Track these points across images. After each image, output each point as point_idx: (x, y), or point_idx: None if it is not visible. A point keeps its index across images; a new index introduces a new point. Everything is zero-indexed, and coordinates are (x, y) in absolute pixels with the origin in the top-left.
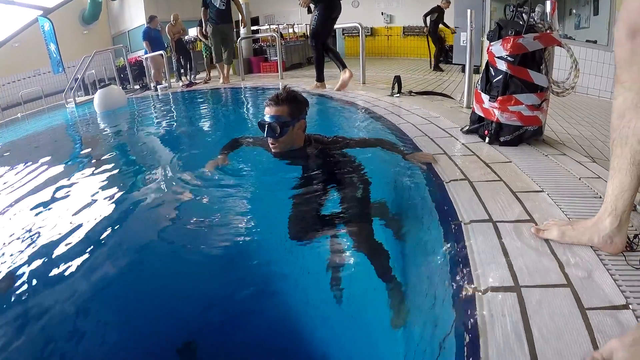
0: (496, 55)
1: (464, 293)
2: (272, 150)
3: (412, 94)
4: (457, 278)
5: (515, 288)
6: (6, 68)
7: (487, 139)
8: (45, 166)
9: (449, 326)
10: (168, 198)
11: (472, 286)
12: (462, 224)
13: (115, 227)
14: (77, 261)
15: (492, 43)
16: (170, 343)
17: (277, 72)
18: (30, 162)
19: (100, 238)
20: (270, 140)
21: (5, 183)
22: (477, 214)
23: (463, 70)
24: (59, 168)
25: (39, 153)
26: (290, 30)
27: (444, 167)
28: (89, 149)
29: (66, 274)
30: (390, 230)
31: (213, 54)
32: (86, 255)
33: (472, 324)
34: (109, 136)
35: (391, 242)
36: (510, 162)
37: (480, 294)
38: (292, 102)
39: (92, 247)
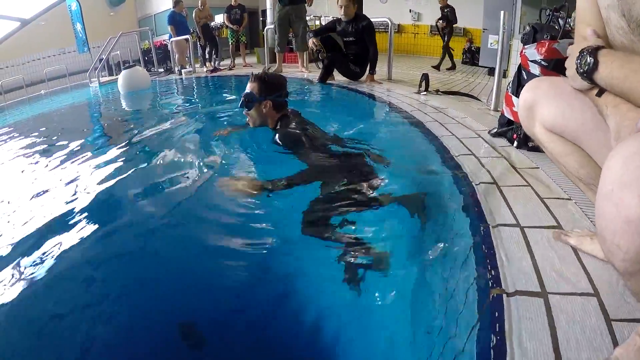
0: (530, 59)
1: (490, 295)
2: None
3: (439, 92)
4: (484, 279)
5: (542, 294)
6: (32, 46)
7: (515, 143)
8: (65, 142)
9: (472, 326)
10: (180, 180)
11: (500, 288)
12: (490, 226)
13: (126, 207)
14: (85, 237)
15: (526, 46)
16: (173, 321)
17: (300, 63)
18: (51, 138)
19: (110, 216)
20: (244, 112)
21: (23, 158)
22: (504, 218)
23: (489, 73)
24: (79, 145)
25: (61, 129)
26: (317, 22)
27: (472, 168)
28: (110, 128)
29: (74, 248)
30: (416, 226)
31: (276, 43)
32: (94, 233)
33: (499, 327)
34: (131, 116)
35: (416, 237)
36: (537, 168)
37: (507, 296)
38: (261, 81)
39: (100, 224)
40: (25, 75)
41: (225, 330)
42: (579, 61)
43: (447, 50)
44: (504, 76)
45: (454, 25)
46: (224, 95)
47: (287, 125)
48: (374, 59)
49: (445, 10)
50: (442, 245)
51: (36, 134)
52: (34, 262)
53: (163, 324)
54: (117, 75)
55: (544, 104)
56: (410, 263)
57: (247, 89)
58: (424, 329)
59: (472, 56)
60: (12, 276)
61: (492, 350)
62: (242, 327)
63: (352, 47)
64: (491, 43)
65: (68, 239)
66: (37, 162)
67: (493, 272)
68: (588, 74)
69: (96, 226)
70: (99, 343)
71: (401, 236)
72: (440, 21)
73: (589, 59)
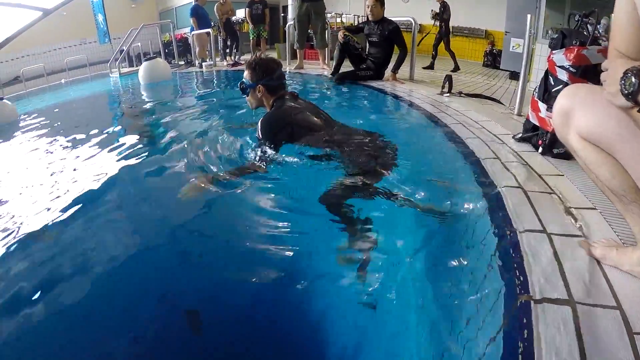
0: (557, 64)
1: (518, 301)
2: None
3: (462, 95)
4: (511, 285)
5: (571, 302)
6: (53, 35)
7: (540, 149)
8: (84, 129)
9: (497, 330)
10: (192, 170)
11: (527, 295)
12: (518, 232)
13: (138, 196)
14: (94, 224)
15: (554, 51)
16: (178, 307)
17: (321, 59)
18: (71, 125)
19: (121, 204)
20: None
21: (41, 145)
22: (531, 223)
23: (511, 77)
24: (96, 132)
25: (80, 117)
26: (338, 19)
27: (496, 172)
28: (129, 118)
29: (82, 235)
30: (438, 227)
31: (295, 40)
32: (102, 220)
33: (527, 334)
34: (150, 107)
35: (438, 239)
36: (562, 175)
37: (534, 303)
38: (251, 68)
39: (109, 212)
40: (46, 64)
41: (229, 318)
42: (623, 82)
43: (436, 49)
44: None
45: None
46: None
47: (278, 108)
48: (402, 59)
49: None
50: (468, 249)
51: (56, 121)
52: (47, 249)
53: (170, 310)
54: (137, 66)
55: (581, 112)
56: (435, 264)
57: (243, 76)
58: (448, 332)
59: (493, 59)
60: (25, 258)
61: (520, 356)
62: (247, 316)
63: (374, 48)
64: (513, 46)
65: (80, 226)
66: (53, 149)
67: (521, 278)
68: (633, 95)
69: (109, 215)
70: (107, 328)
71: (426, 238)
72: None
73: (634, 81)
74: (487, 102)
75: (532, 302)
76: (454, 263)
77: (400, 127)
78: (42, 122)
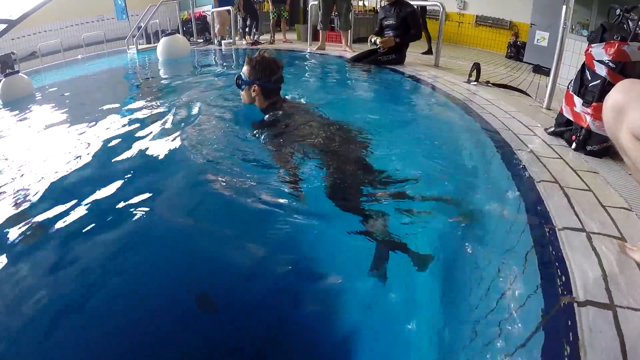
0: (596, 59)
1: (561, 302)
2: None
3: (489, 84)
4: (552, 284)
5: (611, 306)
6: (71, 11)
7: (573, 145)
8: (98, 105)
9: (534, 331)
10: (206, 152)
11: (570, 296)
12: (556, 229)
13: (147, 175)
14: (105, 205)
15: (592, 45)
16: (190, 291)
17: (341, 42)
18: (85, 101)
19: (132, 184)
20: None
21: (53, 119)
22: (569, 221)
23: (534, 70)
24: (111, 108)
25: (95, 92)
26: (360, 3)
27: (531, 165)
28: (145, 93)
29: (93, 217)
30: (472, 220)
31: (319, 20)
32: (115, 200)
33: (572, 337)
34: (168, 83)
35: (472, 233)
36: (597, 173)
37: (578, 305)
38: (251, 65)
39: (121, 192)
40: (63, 40)
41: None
42: None
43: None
44: (549, 75)
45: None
46: None
47: (272, 118)
48: (412, 39)
49: None
50: (503, 244)
51: (71, 96)
52: (55, 225)
53: (182, 294)
54: (154, 43)
55: (636, 109)
56: (471, 259)
57: (242, 71)
58: (483, 330)
59: (517, 51)
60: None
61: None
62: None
63: (391, 31)
64: (538, 39)
65: (90, 205)
66: (66, 124)
67: (563, 279)
68: None
69: (122, 194)
70: (119, 312)
71: (459, 232)
72: None
73: None
74: (514, 93)
75: (575, 304)
76: (490, 258)
77: (426, 113)
78: (57, 97)
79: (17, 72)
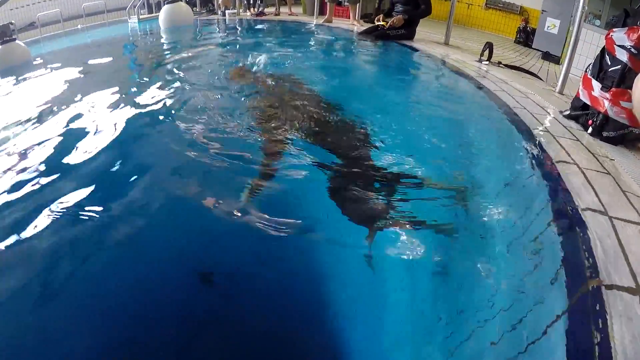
0: (617, 43)
1: (589, 285)
2: None
3: (500, 65)
4: (578, 267)
5: (637, 291)
6: None
7: (590, 130)
8: (95, 73)
9: (560, 315)
10: (208, 124)
11: (598, 279)
12: (579, 209)
13: (144, 147)
14: (105, 180)
15: (614, 29)
16: (193, 269)
17: (349, 17)
18: (83, 70)
19: (130, 156)
20: None
21: (49, 87)
22: (590, 203)
23: (543, 57)
24: (108, 77)
25: (93, 61)
26: None
27: (549, 145)
28: (144, 62)
29: (89, 191)
30: (493, 202)
31: None
32: (112, 173)
33: (602, 322)
34: (169, 51)
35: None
36: (613, 160)
37: (605, 289)
38: None
39: (118, 163)
40: (63, 10)
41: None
42: None
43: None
44: (558, 63)
45: None
46: (268, 38)
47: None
48: (422, 15)
49: None
50: (525, 223)
51: (69, 64)
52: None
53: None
54: (157, 12)
55: None
56: (490, 239)
57: None
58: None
59: (526, 37)
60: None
61: (596, 347)
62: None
63: (401, 6)
64: (548, 26)
65: (84, 178)
66: (62, 93)
67: (590, 260)
68: None
69: (117, 168)
70: (126, 288)
71: (481, 214)
72: None
73: None
74: (525, 75)
75: (603, 287)
76: (511, 237)
77: (438, 89)
78: (54, 65)
79: (14, 39)
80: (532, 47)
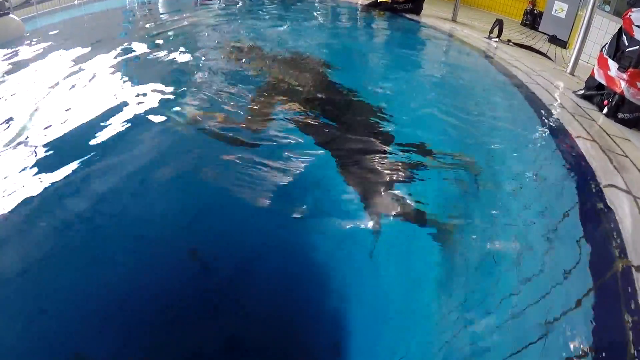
0: (635, 24)
1: (620, 265)
2: None
3: (509, 43)
4: (603, 244)
5: None
6: None
7: (605, 110)
8: (91, 47)
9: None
10: (205, 100)
11: (627, 259)
12: (601, 186)
13: (141, 122)
14: (100, 150)
15: (633, 9)
16: (183, 242)
17: None
18: (79, 43)
19: (127, 129)
20: None
21: (44, 63)
22: (613, 180)
23: (550, 40)
24: (105, 51)
25: (90, 34)
26: None
27: (566, 121)
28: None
29: (86, 163)
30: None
31: None
32: (108, 146)
33: (634, 304)
34: (166, 22)
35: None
36: (629, 140)
37: (635, 270)
38: None
39: (116, 137)
40: None
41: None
42: None
43: None
44: (565, 47)
45: None
46: (269, 10)
47: None
48: None
49: None
50: (545, 198)
51: (64, 38)
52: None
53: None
54: None
55: None
56: (512, 213)
57: None
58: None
59: (533, 19)
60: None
61: (631, 332)
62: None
63: None
64: (556, 10)
65: (82, 150)
66: (57, 69)
67: (617, 240)
68: None
69: (119, 143)
70: (118, 257)
71: (501, 188)
72: None
73: None
74: (535, 55)
75: (632, 268)
76: (534, 210)
77: (448, 62)
78: (49, 38)
79: (8, 13)
80: (539, 30)
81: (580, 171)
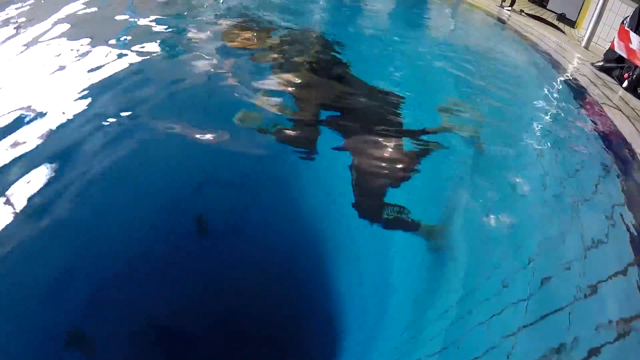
0: None
1: None
2: None
3: (522, 13)
4: None
5: None
6: None
7: (625, 84)
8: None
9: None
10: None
11: None
12: (636, 153)
13: (152, 97)
14: (99, 121)
15: None
16: (187, 211)
17: None
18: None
19: (126, 99)
20: None
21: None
22: None
23: (558, 19)
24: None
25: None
26: None
27: (590, 88)
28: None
29: (84, 134)
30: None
31: None
32: (109, 116)
33: None
34: None
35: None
36: None
37: None
38: None
39: (116, 106)
40: None
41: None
42: None
43: None
44: (573, 26)
45: None
46: None
47: None
48: None
49: None
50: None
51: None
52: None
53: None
54: None
55: None
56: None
57: None
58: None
59: None
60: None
61: None
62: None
63: None
64: None
65: (79, 121)
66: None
67: None
68: None
69: (114, 117)
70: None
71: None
72: None
73: None
74: (548, 27)
75: None
76: (568, 174)
77: (466, 28)
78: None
79: None
80: (547, 7)
81: (612, 137)
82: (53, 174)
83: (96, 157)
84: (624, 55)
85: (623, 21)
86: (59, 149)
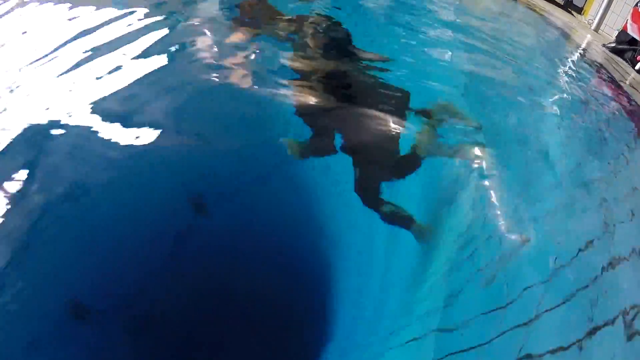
0: None
1: None
2: None
3: None
4: None
5: None
6: None
7: (637, 66)
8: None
9: None
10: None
11: None
12: None
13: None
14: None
15: None
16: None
17: None
18: None
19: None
20: None
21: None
22: None
23: (565, 4)
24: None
25: None
26: None
27: (607, 64)
28: None
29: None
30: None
31: None
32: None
33: None
34: None
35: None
36: None
37: None
38: None
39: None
40: None
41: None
42: None
43: None
44: (580, 12)
45: None
46: None
47: None
48: None
49: None
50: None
51: None
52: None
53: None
54: None
55: None
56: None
57: None
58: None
59: None
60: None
61: None
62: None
63: None
64: None
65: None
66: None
67: None
68: None
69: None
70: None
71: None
72: None
73: None
74: (557, 8)
75: None
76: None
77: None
78: None
79: None
80: None
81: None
82: (53, 174)
83: (94, 157)
84: (637, 37)
85: (637, 4)
86: (59, 149)
